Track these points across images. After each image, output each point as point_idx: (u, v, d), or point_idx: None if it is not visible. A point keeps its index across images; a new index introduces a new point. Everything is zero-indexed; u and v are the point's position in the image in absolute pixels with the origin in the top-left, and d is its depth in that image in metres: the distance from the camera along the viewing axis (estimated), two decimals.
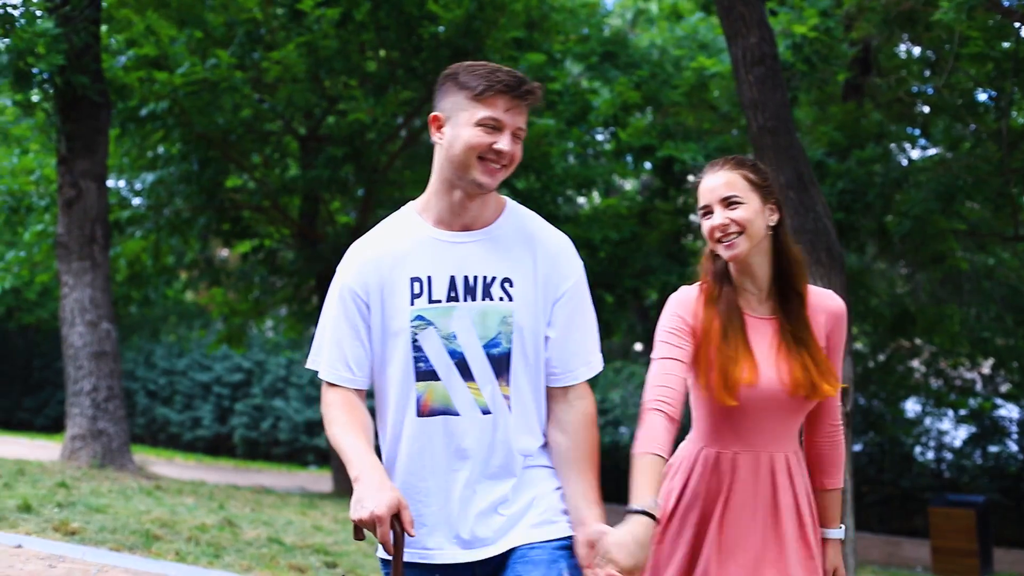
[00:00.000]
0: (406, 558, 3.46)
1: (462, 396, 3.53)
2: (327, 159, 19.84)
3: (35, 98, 17.73)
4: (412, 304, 3.56)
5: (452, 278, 3.56)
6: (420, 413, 3.54)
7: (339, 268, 3.71)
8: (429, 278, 3.57)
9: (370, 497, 3.22)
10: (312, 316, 23.10)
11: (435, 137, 3.61)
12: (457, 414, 3.53)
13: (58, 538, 9.05)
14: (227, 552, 9.21)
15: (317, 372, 3.64)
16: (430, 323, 3.54)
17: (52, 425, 41.18)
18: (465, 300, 3.55)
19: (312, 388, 37.57)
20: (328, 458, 35.45)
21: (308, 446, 37.40)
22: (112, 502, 11.60)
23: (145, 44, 18.10)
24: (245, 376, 38.85)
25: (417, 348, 3.53)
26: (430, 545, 3.53)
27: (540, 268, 3.62)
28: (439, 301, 3.55)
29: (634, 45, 22.32)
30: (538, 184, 21.24)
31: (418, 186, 20.48)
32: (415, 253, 3.62)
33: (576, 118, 21.14)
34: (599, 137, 23.22)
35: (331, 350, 3.62)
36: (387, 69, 20.29)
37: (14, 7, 16.00)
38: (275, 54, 18.27)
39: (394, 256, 3.63)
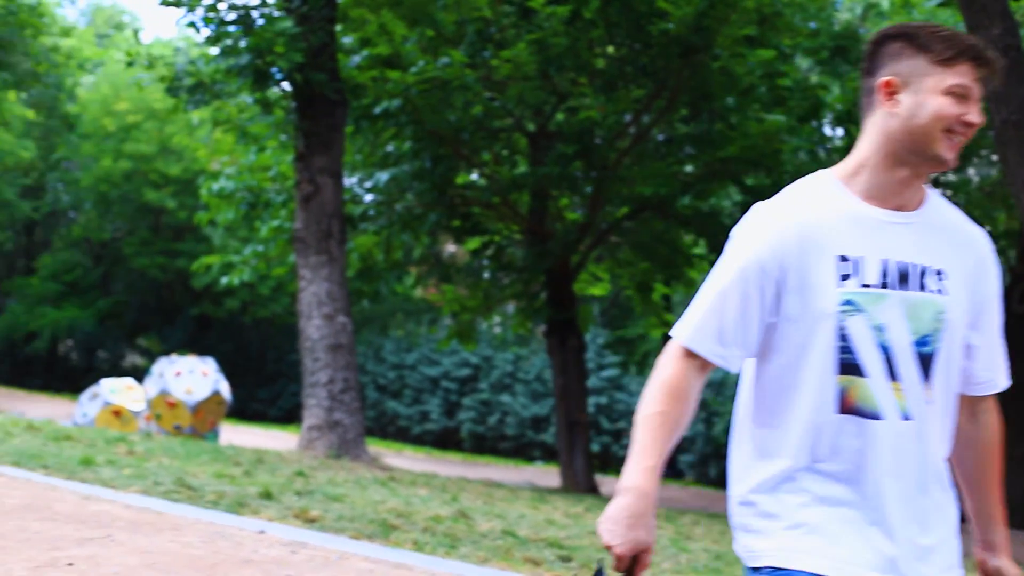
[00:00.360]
0: (817, 569, 3.19)
1: (886, 397, 3.05)
2: (557, 156, 19.89)
3: (273, 96, 18.18)
4: (840, 286, 3.09)
5: (884, 262, 3.10)
6: (840, 410, 3.06)
7: (742, 235, 3.20)
8: (860, 259, 3.10)
9: (619, 527, 2.95)
10: (541, 312, 23.18)
11: (885, 105, 3.13)
12: (879, 417, 3.04)
13: (299, 525, 9.24)
14: (462, 543, 9.29)
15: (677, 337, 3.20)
16: (860, 310, 3.07)
17: (284, 416, 42.23)
18: (898, 288, 3.09)
19: (538, 384, 37.75)
20: (554, 454, 35.59)
21: (535, 442, 37.62)
22: (348, 491, 11.81)
23: (379, 43, 18.38)
24: (472, 371, 39.25)
25: (843, 337, 3.06)
26: (845, 557, 3.03)
27: (968, 264, 3.20)
28: (870, 286, 3.09)
29: (865, 39, 21.85)
30: (768, 181, 20.97)
31: (648, 182, 20.40)
32: (841, 228, 3.14)
33: (808, 114, 20.80)
34: (830, 133, 22.81)
35: (706, 317, 3.14)
36: (616, 66, 20.27)
37: (253, 8, 16.43)
38: (506, 52, 18.38)
39: (816, 229, 3.13)
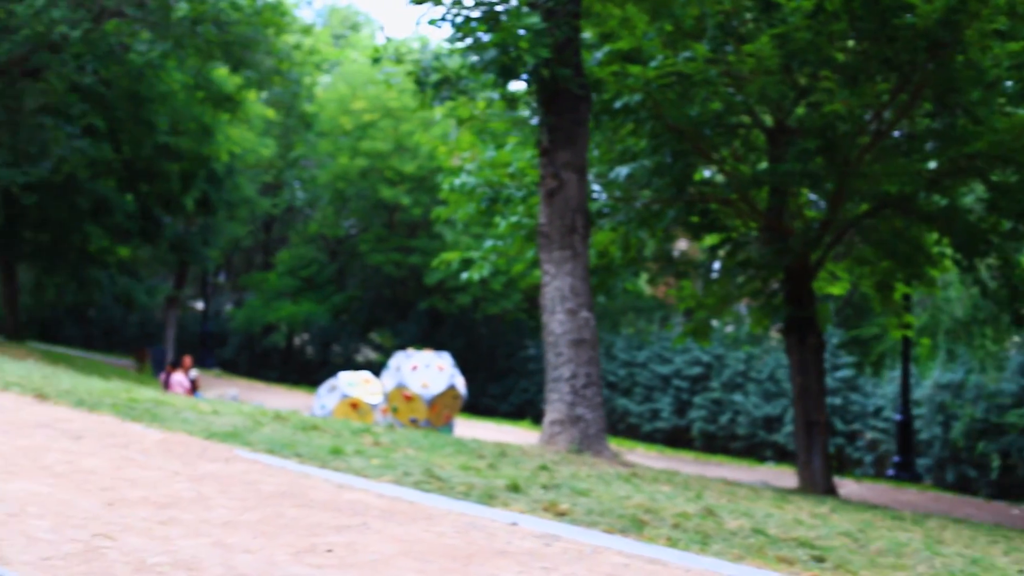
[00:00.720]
0: None
1: None
2: (798, 152, 19.56)
3: (518, 93, 18.25)
4: None
5: None
6: None
7: None
8: None
9: None
10: (779, 311, 22.84)
11: None
12: None
13: (549, 518, 9.23)
14: (713, 540, 9.18)
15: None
16: None
17: (515, 412, 42.52)
18: None
19: (771, 383, 37.32)
20: (786, 455, 35.13)
21: (766, 441, 37.18)
22: (593, 486, 11.78)
23: (622, 36, 18.31)
24: (704, 370, 38.98)
25: None
26: None
27: None
28: None
29: None
30: (1015, 178, 20.34)
31: (891, 179, 19.95)
32: None
33: None
34: None
35: None
36: (858, 60, 19.84)
37: (497, 3, 16.51)
38: (748, 47, 18.14)
39: None
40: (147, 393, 17.20)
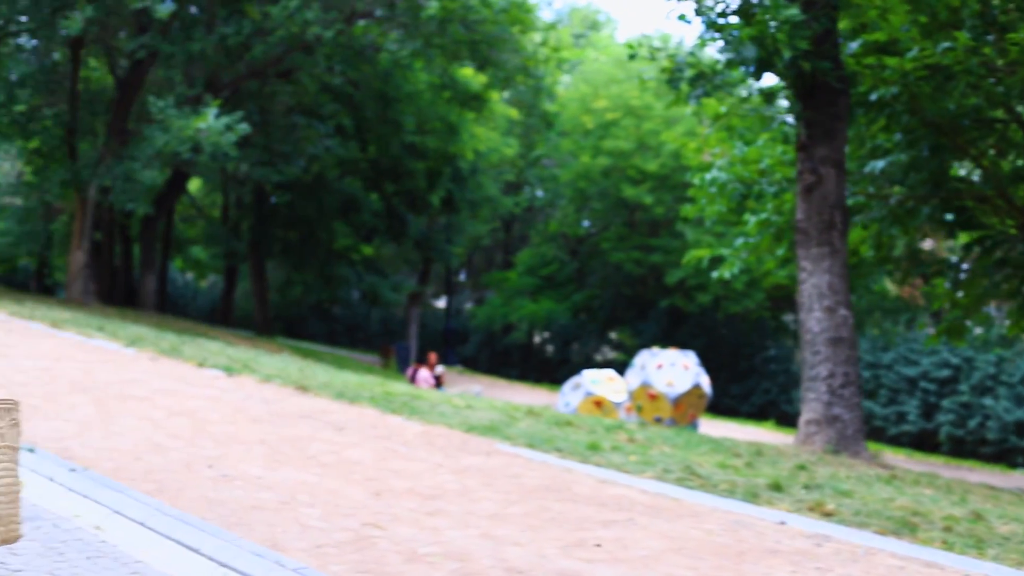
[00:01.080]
0: None
1: None
2: None
3: (775, 87, 18.01)
4: None
5: None
6: None
7: None
8: None
9: None
10: None
11: None
12: None
13: (816, 518, 9.08)
14: (988, 545, 8.90)
15: None
16: None
17: (756, 412, 42.12)
18: None
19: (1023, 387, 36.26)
20: None
21: (1018, 447, 36.10)
22: (854, 487, 11.55)
23: (883, 27, 17.90)
24: (952, 372, 38.04)
25: None
26: None
27: None
28: None
29: None
30: None
31: None
32: None
33: None
34: None
35: None
36: None
37: None
38: (1013, 35, 17.57)
39: None
40: (401, 387, 17.49)
